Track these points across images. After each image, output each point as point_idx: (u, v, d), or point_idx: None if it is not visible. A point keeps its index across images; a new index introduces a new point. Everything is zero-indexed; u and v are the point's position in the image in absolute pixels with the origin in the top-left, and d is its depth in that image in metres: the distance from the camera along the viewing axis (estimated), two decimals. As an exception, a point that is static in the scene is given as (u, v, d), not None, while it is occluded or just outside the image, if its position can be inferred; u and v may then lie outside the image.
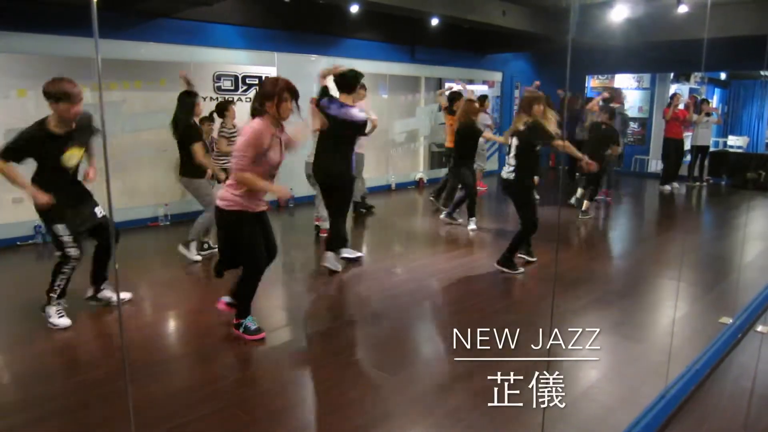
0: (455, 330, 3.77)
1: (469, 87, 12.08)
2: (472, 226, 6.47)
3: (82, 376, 3.15)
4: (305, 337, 3.69)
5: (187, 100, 5.10)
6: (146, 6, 6.30)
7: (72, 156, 3.55)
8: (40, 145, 3.43)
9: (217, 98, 7.80)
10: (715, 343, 3.37)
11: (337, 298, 4.48)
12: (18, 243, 5.94)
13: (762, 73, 13.38)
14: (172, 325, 3.97)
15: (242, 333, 3.49)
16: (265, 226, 3.54)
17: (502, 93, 11.97)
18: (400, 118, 10.26)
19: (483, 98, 8.99)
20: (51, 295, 3.64)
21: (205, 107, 7.34)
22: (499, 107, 12.18)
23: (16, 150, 3.42)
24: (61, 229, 3.57)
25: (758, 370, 3.24)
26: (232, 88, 7.99)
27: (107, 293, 4.03)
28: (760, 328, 3.82)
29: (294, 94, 3.33)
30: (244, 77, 8.06)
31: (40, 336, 3.61)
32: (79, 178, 3.79)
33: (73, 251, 3.62)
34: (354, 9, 7.35)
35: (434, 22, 8.19)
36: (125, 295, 4.09)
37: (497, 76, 11.72)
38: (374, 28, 8.87)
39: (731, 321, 3.75)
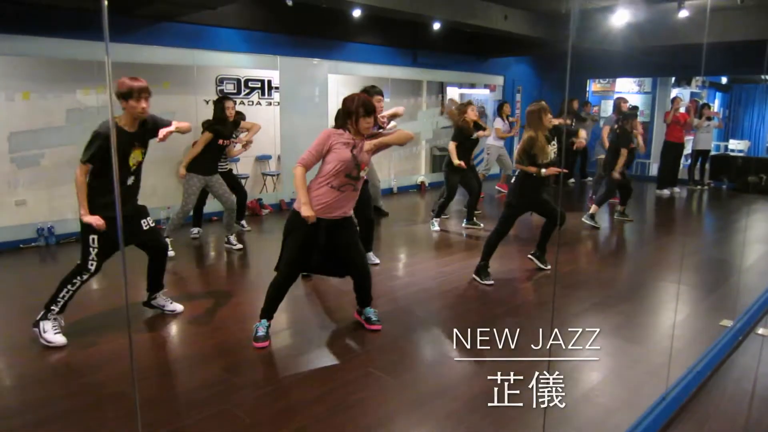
0: (456, 331, 3.79)
1: (469, 91, 12.14)
2: (435, 227, 6.71)
3: (85, 379, 3.16)
4: (307, 339, 3.70)
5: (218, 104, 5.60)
6: (150, 10, 6.34)
7: (135, 156, 3.54)
8: (109, 144, 3.35)
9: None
10: (715, 345, 3.38)
11: (339, 301, 4.50)
12: (21, 246, 5.97)
13: (763, 77, 13.40)
14: (173, 327, 3.99)
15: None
16: (332, 239, 3.53)
17: (503, 97, 11.99)
18: (401, 122, 10.28)
19: (502, 104, 9.13)
20: (52, 308, 3.48)
21: (207, 111, 7.39)
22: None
23: (100, 149, 3.33)
24: (92, 240, 3.47)
25: (759, 373, 3.25)
26: (235, 91, 8.03)
27: (161, 301, 4.05)
28: (760, 331, 3.83)
29: (368, 108, 3.42)
30: (247, 80, 8.10)
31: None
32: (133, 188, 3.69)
33: (91, 265, 3.50)
34: (356, 13, 7.39)
35: (436, 26, 8.22)
36: (178, 308, 4.08)
37: (499, 80, 11.75)
38: (376, 32, 8.91)
39: (732, 324, 3.76)
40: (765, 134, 15.45)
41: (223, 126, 5.50)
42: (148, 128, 3.57)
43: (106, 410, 2.78)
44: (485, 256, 4.78)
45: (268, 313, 3.54)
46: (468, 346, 3.68)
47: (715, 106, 15.16)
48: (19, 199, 6.13)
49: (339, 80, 9.23)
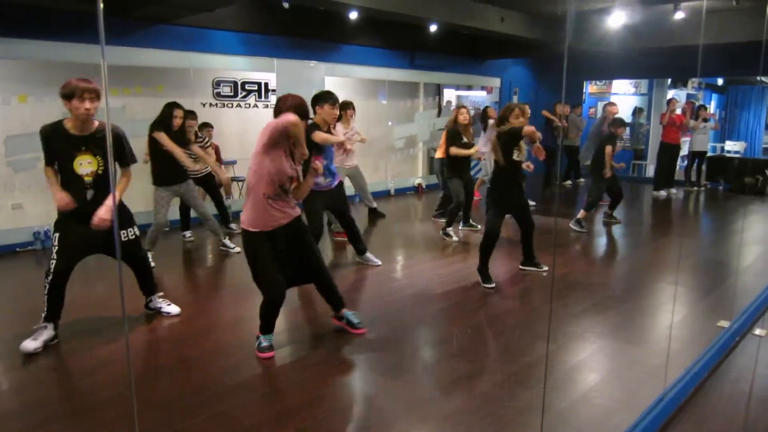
0: (455, 332, 3.80)
1: (466, 93, 12.16)
2: (452, 236, 6.40)
3: (83, 381, 3.15)
4: (305, 341, 3.69)
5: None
6: (146, 12, 6.34)
7: (83, 162, 3.37)
8: (53, 142, 3.33)
9: (216, 104, 7.86)
10: (713, 346, 3.39)
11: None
12: (17, 249, 5.95)
13: (759, 78, 13.46)
14: (171, 329, 3.98)
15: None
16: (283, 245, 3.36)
17: (500, 99, 12.02)
18: (399, 124, 10.30)
19: (485, 109, 9.04)
20: (42, 313, 3.50)
21: (204, 113, 7.40)
22: (497, 113, 12.23)
23: (43, 150, 3.34)
24: (54, 238, 3.46)
25: (756, 373, 3.26)
26: (232, 94, 8.03)
27: (157, 303, 4.06)
28: (757, 332, 3.84)
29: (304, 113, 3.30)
30: (244, 83, 8.10)
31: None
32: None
33: (52, 264, 3.41)
34: (353, 15, 7.40)
35: (433, 28, 8.24)
36: (174, 310, 4.07)
37: (496, 82, 11.78)
38: (373, 34, 8.93)
39: (729, 325, 3.77)
40: (761, 135, 15.51)
41: (167, 131, 5.13)
42: (100, 137, 3.38)
43: (105, 412, 2.77)
44: (482, 260, 4.78)
45: (266, 330, 3.47)
46: (468, 349, 3.69)
47: (712, 107, 15.22)
48: (16, 202, 6.11)
49: (336, 82, 9.23)
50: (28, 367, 3.30)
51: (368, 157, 9.96)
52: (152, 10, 6.25)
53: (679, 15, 7.74)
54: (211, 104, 7.77)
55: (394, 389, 3.04)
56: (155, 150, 5.13)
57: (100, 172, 3.43)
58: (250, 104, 8.23)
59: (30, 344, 3.41)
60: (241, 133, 8.01)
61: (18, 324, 3.92)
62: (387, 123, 10.08)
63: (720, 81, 15.04)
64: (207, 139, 6.50)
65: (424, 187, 10.33)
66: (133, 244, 3.73)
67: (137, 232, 3.75)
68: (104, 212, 3.36)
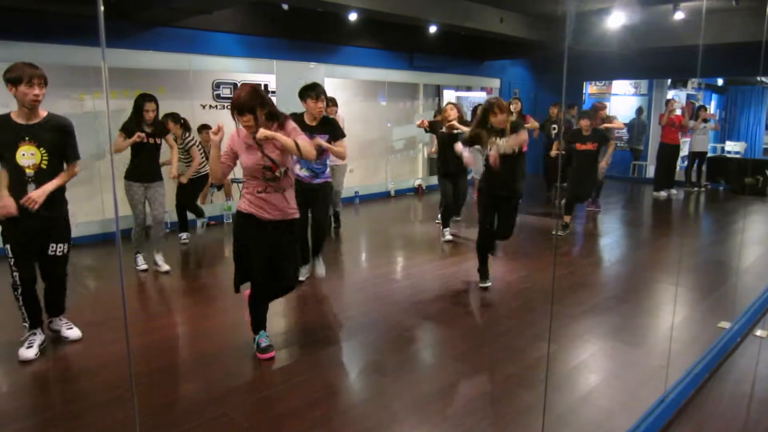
0: (453, 332, 3.79)
1: (466, 94, 12.15)
2: (447, 236, 6.34)
3: (83, 384, 3.15)
4: (305, 342, 3.69)
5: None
6: (146, 15, 6.34)
7: (25, 153, 3.15)
8: None
9: (215, 106, 7.86)
10: (713, 347, 3.38)
11: (337, 304, 4.49)
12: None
13: (759, 79, 13.46)
14: (171, 332, 3.98)
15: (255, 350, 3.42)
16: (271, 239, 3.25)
17: (500, 100, 12.00)
18: (398, 125, 10.30)
19: (476, 108, 8.94)
20: (24, 324, 3.40)
21: (204, 116, 7.40)
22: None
23: None
24: (6, 249, 3.26)
25: (757, 374, 3.25)
26: (232, 95, 8.03)
27: (57, 325, 3.68)
28: (758, 333, 3.83)
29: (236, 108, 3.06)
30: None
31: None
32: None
33: (15, 276, 3.26)
34: (352, 17, 7.40)
35: (432, 29, 8.24)
36: (75, 334, 3.66)
37: (495, 83, 11.78)
38: (373, 35, 8.93)
39: (730, 325, 3.76)
40: (761, 136, 15.50)
41: (136, 126, 4.84)
42: (48, 127, 3.20)
43: (104, 416, 2.76)
44: (480, 260, 4.77)
45: (258, 326, 3.46)
46: (467, 349, 3.68)
47: (712, 107, 15.21)
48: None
49: (336, 84, 9.23)
50: (29, 370, 3.29)
51: (368, 158, 9.96)
52: (151, 12, 6.26)
53: (679, 15, 7.74)
54: (210, 106, 7.77)
55: (394, 390, 3.03)
56: (133, 145, 4.85)
57: (43, 166, 3.21)
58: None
59: (27, 352, 3.35)
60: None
61: (16, 327, 3.92)
62: (387, 124, 10.08)
63: (720, 81, 15.03)
64: (194, 140, 6.37)
65: (424, 188, 10.33)
66: (60, 261, 3.45)
67: (66, 251, 3.46)
68: (37, 194, 3.16)
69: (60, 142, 3.26)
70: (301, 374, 3.25)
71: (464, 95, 12.23)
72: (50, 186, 3.23)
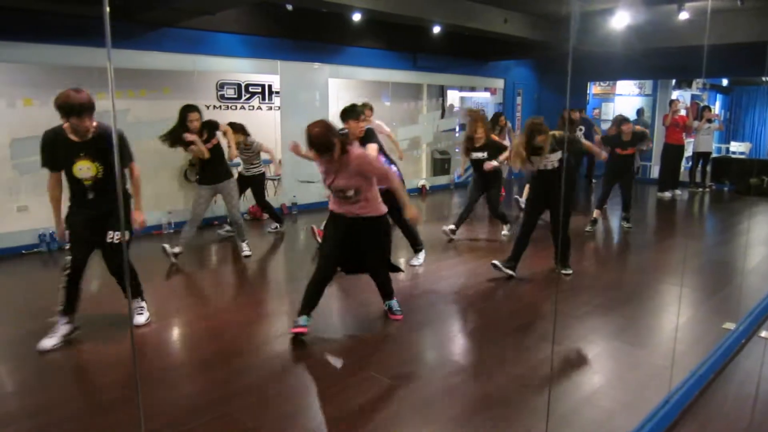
0: (457, 333, 3.79)
1: (470, 94, 12.14)
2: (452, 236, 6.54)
3: (89, 384, 3.16)
4: (308, 343, 3.69)
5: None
6: (150, 16, 6.36)
7: (83, 167, 3.46)
8: (54, 148, 3.41)
9: (220, 106, 7.88)
10: (718, 348, 3.37)
11: (341, 305, 4.50)
12: (23, 251, 5.98)
13: (764, 79, 13.39)
14: (176, 332, 3.99)
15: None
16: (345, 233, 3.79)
17: (504, 100, 12.01)
18: (402, 126, 10.30)
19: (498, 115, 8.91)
20: (59, 307, 3.57)
21: (209, 116, 7.42)
22: (501, 114, 12.21)
23: (43, 154, 3.44)
24: (67, 235, 3.56)
25: (762, 376, 3.24)
26: (236, 96, 8.05)
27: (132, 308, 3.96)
28: (763, 334, 3.81)
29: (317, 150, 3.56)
30: (247, 85, 8.12)
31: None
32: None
33: (68, 258, 3.52)
34: (356, 17, 7.41)
35: (436, 29, 8.24)
36: (141, 319, 3.93)
37: (499, 83, 11.77)
38: (376, 36, 8.93)
39: (735, 327, 3.75)
40: (766, 136, 15.44)
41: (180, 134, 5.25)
42: (100, 142, 3.46)
43: (108, 416, 2.78)
44: (514, 255, 5.01)
45: (304, 308, 3.72)
46: (471, 349, 3.68)
47: (716, 108, 15.16)
48: (21, 205, 6.14)
49: (340, 84, 9.24)
50: (37, 368, 3.31)
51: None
52: (156, 13, 6.28)
53: (684, 15, 7.71)
54: (215, 106, 7.80)
55: (399, 391, 3.04)
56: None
57: (99, 176, 3.51)
58: (254, 106, 8.24)
59: (47, 342, 3.49)
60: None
61: (24, 326, 3.94)
62: (391, 124, 10.08)
63: (725, 82, 14.98)
64: (257, 143, 6.69)
65: (428, 188, 10.32)
66: (113, 251, 3.64)
67: (119, 239, 3.63)
68: (141, 218, 3.76)
69: (112, 153, 3.51)
70: (305, 375, 3.25)
71: (468, 96, 12.23)
72: (140, 203, 3.76)
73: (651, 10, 8.21)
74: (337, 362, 3.46)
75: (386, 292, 4.09)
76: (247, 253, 5.73)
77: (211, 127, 5.41)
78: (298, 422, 2.72)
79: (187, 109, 5.26)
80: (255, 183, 6.70)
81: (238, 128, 6.26)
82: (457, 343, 3.79)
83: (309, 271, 5.52)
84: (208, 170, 5.43)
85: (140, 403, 2.71)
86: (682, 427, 2.70)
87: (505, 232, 6.67)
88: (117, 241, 3.61)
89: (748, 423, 2.77)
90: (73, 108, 3.28)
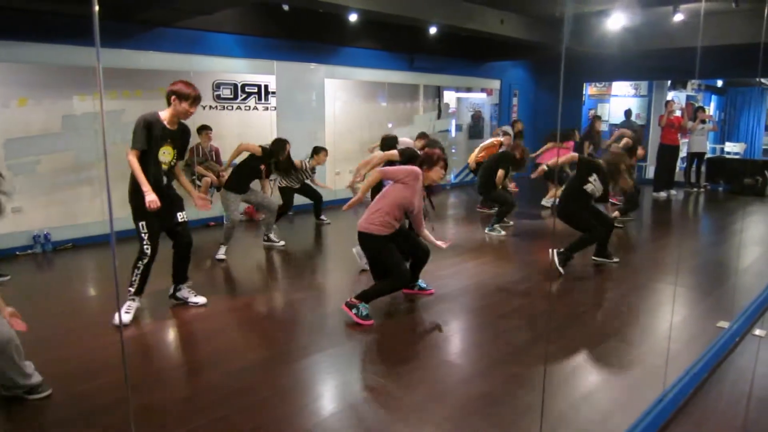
0: (454, 333, 3.79)
1: (466, 95, 12.14)
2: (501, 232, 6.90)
3: (84, 386, 3.15)
4: (303, 345, 3.69)
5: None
6: (146, 15, 6.35)
7: (166, 151, 3.83)
8: (152, 131, 3.73)
9: (216, 107, 7.86)
10: (712, 347, 3.39)
11: (337, 305, 4.49)
12: (17, 253, 5.95)
13: (758, 80, 13.46)
14: (172, 332, 3.98)
15: (353, 313, 3.92)
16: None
17: (500, 101, 12.04)
18: (399, 126, 10.30)
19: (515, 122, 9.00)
20: (129, 288, 3.87)
21: (204, 116, 7.40)
22: (497, 115, 12.24)
23: (140, 136, 3.70)
24: (142, 225, 3.82)
25: (756, 374, 3.26)
26: (232, 96, 8.04)
27: (185, 293, 4.29)
28: (757, 332, 3.83)
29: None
30: (243, 86, 8.11)
31: (41, 346, 3.62)
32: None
33: (147, 249, 3.82)
34: (353, 18, 7.41)
35: (433, 30, 8.25)
36: (202, 300, 4.30)
37: (495, 84, 11.79)
38: (373, 36, 8.94)
39: (729, 325, 3.77)
40: (760, 137, 15.51)
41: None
42: (185, 135, 3.97)
43: (102, 419, 2.77)
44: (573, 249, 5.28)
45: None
46: (466, 348, 3.69)
47: (711, 109, 15.22)
48: (15, 206, 6.11)
49: (336, 85, 9.25)
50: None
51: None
52: (152, 13, 6.27)
53: (679, 17, 7.75)
54: (211, 107, 7.78)
55: (394, 391, 3.04)
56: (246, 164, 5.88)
57: (172, 163, 3.93)
58: (250, 107, 8.23)
59: (125, 317, 3.82)
60: (241, 135, 8.02)
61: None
62: (387, 125, 10.09)
63: (720, 83, 15.04)
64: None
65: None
66: (185, 226, 4.09)
67: (186, 217, 4.08)
68: (201, 198, 4.16)
69: (184, 147, 4.03)
70: (300, 376, 3.25)
71: (464, 96, 12.25)
72: (187, 185, 4.24)
73: (646, 11, 8.25)
74: (331, 364, 3.46)
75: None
76: (280, 243, 6.28)
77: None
78: (294, 423, 2.72)
79: (278, 144, 6.11)
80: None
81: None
82: (453, 343, 3.80)
83: (305, 273, 5.55)
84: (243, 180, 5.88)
85: (131, 407, 2.70)
86: (677, 425, 2.71)
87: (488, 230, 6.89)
88: (185, 220, 4.08)
89: (743, 421, 2.78)
90: (198, 97, 3.85)
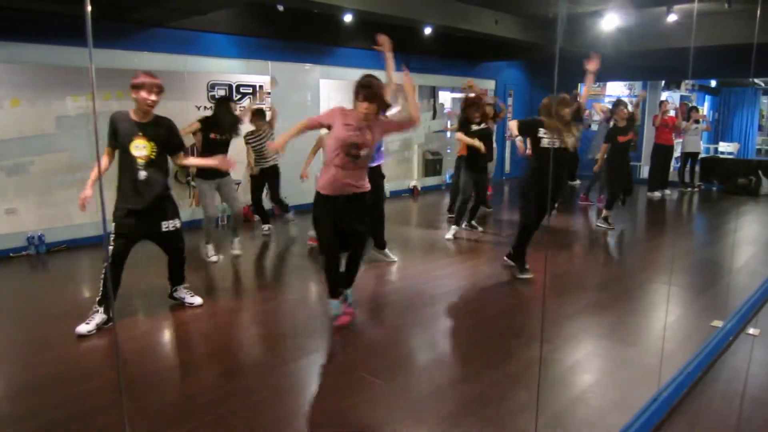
0: (448, 334, 3.79)
1: (461, 95, 12.15)
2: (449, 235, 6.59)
3: (79, 387, 3.13)
4: (299, 345, 3.69)
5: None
6: (140, 16, 6.33)
7: (139, 145, 3.73)
8: (117, 124, 3.72)
9: (210, 107, 7.84)
10: (706, 346, 3.40)
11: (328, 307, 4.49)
12: (11, 254, 5.92)
13: (751, 80, 13.54)
14: (167, 333, 3.97)
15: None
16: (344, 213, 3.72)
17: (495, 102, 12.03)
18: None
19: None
20: (97, 298, 3.82)
21: (198, 116, 7.38)
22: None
23: (108, 133, 3.74)
24: (110, 226, 3.77)
25: (749, 373, 3.27)
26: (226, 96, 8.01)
27: (181, 293, 4.30)
28: (751, 331, 3.85)
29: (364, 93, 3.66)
30: (238, 86, 8.09)
31: (35, 348, 3.61)
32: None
33: (110, 249, 3.75)
34: (347, 18, 7.41)
35: (428, 31, 8.25)
36: (198, 301, 4.29)
37: (490, 85, 11.80)
38: (368, 36, 8.87)
39: (723, 324, 3.79)
40: (754, 136, 15.59)
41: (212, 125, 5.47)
42: (160, 127, 3.83)
43: (97, 420, 2.76)
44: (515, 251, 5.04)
45: (332, 292, 3.79)
46: (461, 349, 3.69)
47: (705, 109, 15.29)
48: (9, 207, 6.08)
49: (331, 85, 9.24)
50: (20, 374, 3.29)
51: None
52: (146, 13, 6.24)
53: (672, 18, 7.78)
54: (205, 107, 7.75)
55: (390, 392, 3.04)
56: (204, 144, 5.48)
57: (152, 156, 3.79)
58: (245, 107, 8.21)
59: (83, 327, 3.68)
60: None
61: (10, 330, 3.91)
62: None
63: (713, 83, 15.11)
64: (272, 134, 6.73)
65: (419, 189, 10.33)
66: (174, 235, 4.02)
67: (178, 225, 4.03)
68: (224, 162, 4.17)
69: (166, 138, 3.87)
70: (296, 377, 3.25)
71: (459, 97, 12.25)
72: (200, 161, 4.48)
73: (640, 12, 8.27)
74: (326, 364, 3.45)
75: (351, 276, 3.96)
76: (237, 252, 5.82)
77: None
78: (290, 425, 2.72)
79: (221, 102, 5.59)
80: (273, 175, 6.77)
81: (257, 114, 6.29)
82: (448, 344, 3.80)
83: (301, 274, 5.53)
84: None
85: (125, 409, 2.70)
86: (672, 424, 2.72)
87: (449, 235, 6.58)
88: (172, 229, 3.96)
89: (736, 419, 2.80)
90: (153, 84, 3.70)
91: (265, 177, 6.73)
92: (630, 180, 7.40)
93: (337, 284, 3.82)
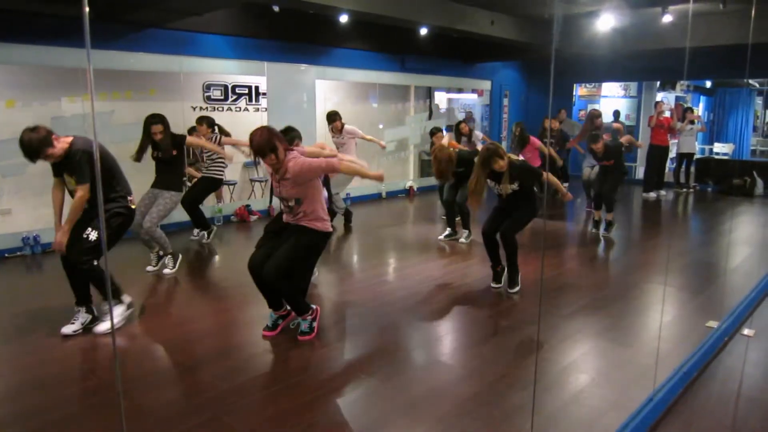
0: (444, 334, 3.80)
1: (457, 96, 12.17)
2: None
3: (75, 387, 3.13)
4: (295, 345, 3.68)
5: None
6: (136, 16, 6.31)
7: (70, 180, 3.71)
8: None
9: (206, 108, 7.83)
10: (702, 346, 3.42)
11: (328, 306, 4.49)
12: (6, 255, 5.90)
13: (746, 81, 13.60)
14: (162, 334, 3.96)
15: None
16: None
17: (491, 101, 12.07)
18: (390, 127, 10.32)
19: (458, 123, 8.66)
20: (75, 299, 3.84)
21: (195, 117, 7.37)
22: (488, 115, 12.29)
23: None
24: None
25: (744, 373, 3.29)
26: (222, 97, 8.02)
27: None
28: (746, 332, 3.87)
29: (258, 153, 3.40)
30: (234, 86, 8.09)
31: (32, 348, 3.59)
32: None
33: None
34: (344, 19, 7.41)
35: (424, 31, 8.26)
36: (125, 299, 3.96)
37: (486, 85, 11.83)
38: (364, 37, 8.94)
39: (718, 325, 3.80)
40: (749, 137, 15.66)
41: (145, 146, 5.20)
42: (69, 156, 3.67)
43: (94, 420, 2.75)
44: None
45: (268, 304, 3.77)
46: (457, 350, 3.70)
47: (700, 109, 15.36)
48: (4, 208, 6.06)
49: (327, 86, 9.24)
50: (23, 373, 3.27)
51: (360, 159, 9.97)
52: (141, 14, 6.23)
53: (667, 18, 7.82)
54: (201, 108, 7.75)
55: (386, 392, 3.04)
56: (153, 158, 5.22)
57: (74, 185, 3.70)
58: (240, 108, 8.21)
59: (67, 328, 3.69)
60: (233, 136, 7.99)
61: (7, 331, 3.89)
62: (378, 126, 10.10)
63: (708, 84, 15.18)
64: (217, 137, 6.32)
65: (415, 189, 10.35)
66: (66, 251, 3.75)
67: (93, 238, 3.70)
68: (60, 236, 3.67)
69: (72, 168, 3.67)
70: (293, 377, 3.25)
71: (455, 97, 12.28)
72: (66, 226, 3.74)
73: (635, 12, 8.31)
74: (323, 364, 3.45)
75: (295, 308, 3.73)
76: (170, 270, 5.22)
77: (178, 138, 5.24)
78: (286, 425, 2.71)
79: (150, 121, 5.03)
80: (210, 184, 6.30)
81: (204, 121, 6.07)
82: (444, 344, 3.81)
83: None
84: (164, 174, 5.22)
85: (122, 408, 2.69)
86: (667, 424, 2.73)
87: (462, 239, 6.43)
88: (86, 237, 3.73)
89: (732, 420, 2.81)
90: (27, 152, 3.56)
91: (202, 183, 6.31)
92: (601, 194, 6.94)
93: (267, 298, 3.74)
